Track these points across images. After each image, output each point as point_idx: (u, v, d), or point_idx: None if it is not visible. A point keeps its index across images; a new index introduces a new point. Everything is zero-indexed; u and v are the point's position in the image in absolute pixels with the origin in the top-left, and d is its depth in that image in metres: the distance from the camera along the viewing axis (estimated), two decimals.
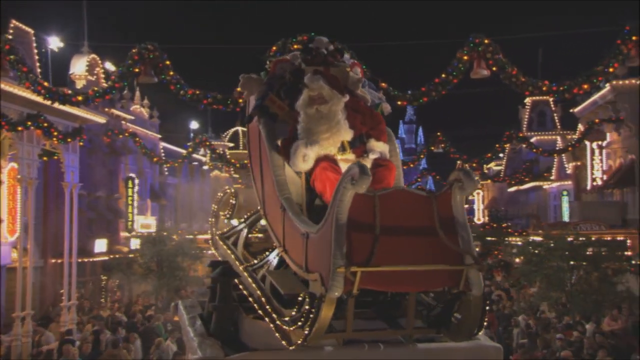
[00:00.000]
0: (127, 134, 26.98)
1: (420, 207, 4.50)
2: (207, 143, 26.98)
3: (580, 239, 18.59)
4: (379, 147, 5.34)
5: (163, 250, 23.00)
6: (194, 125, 41.15)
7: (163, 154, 32.23)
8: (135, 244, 27.94)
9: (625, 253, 19.69)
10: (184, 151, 34.38)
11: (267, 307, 5.37)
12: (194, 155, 31.80)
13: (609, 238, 21.13)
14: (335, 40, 14.67)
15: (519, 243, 25.64)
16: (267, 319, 5.35)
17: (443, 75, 14.16)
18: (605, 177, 28.41)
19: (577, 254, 17.83)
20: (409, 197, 4.55)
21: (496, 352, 5.17)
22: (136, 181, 30.36)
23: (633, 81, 24.82)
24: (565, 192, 36.29)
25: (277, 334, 5.09)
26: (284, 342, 4.96)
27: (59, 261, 21.22)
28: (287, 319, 4.91)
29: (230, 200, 7.19)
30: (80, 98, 14.27)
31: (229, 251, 6.74)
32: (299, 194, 5.33)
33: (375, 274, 4.31)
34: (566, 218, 33.86)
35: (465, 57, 14.12)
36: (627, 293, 17.36)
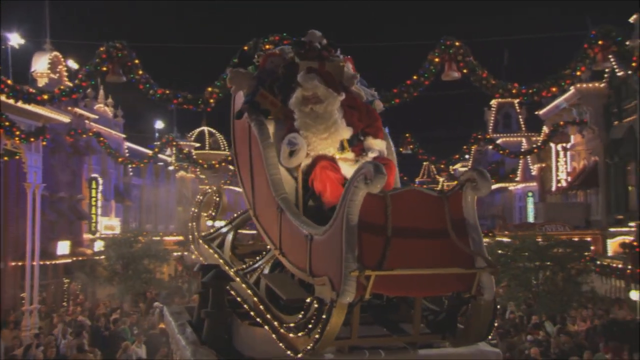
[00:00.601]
0: (90, 134, 26.50)
1: (432, 207, 4.34)
2: (174, 143, 26.69)
3: (548, 240, 18.95)
4: (377, 145, 5.20)
5: (129, 253, 22.68)
6: (159, 124, 40.67)
7: (127, 154, 31.77)
8: (99, 246, 27.48)
9: (586, 254, 20.13)
10: (149, 151, 33.97)
11: (267, 315, 5.16)
12: (160, 156, 31.42)
13: (576, 239, 21.59)
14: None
15: (485, 244, 26.01)
16: (266, 327, 5.16)
17: (415, 77, 14.32)
18: (569, 179, 29.03)
19: (544, 255, 18.18)
20: (420, 197, 4.37)
21: (496, 357, 5.05)
22: (100, 182, 29.84)
23: (596, 84, 25.46)
24: (530, 194, 36.97)
25: (280, 343, 4.89)
26: (289, 352, 4.74)
27: (20, 264, 20.74)
28: (291, 325, 4.71)
29: (214, 199, 6.98)
30: (45, 97, 14.01)
31: (215, 255, 6.50)
32: (292, 194, 5.13)
33: (389, 278, 4.14)
34: (531, 219, 34.46)
35: (437, 59, 14.30)
36: (592, 293, 17.77)
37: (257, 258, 5.92)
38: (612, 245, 18.45)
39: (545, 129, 31.30)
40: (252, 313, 5.51)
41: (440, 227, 4.28)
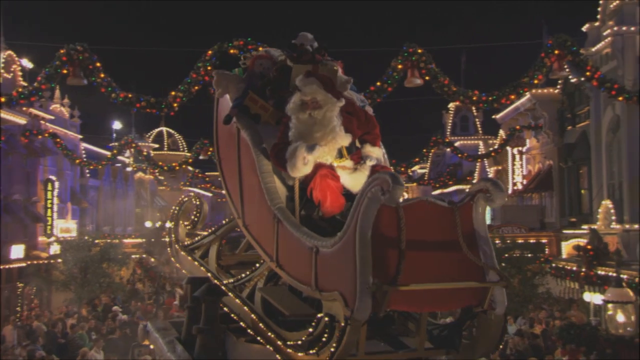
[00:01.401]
0: (46, 135, 25.94)
1: (443, 219, 4.17)
2: (134, 145, 26.32)
3: (507, 241, 19.39)
4: (375, 153, 4.99)
5: (87, 257, 22.28)
6: (117, 125, 40.02)
7: (84, 155, 31.18)
8: (55, 249, 26.90)
9: (541, 255, 20.65)
10: (106, 152, 33.41)
11: (269, 333, 4.91)
12: (118, 157, 30.93)
13: (532, 240, 22.13)
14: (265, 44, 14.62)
15: None
16: (268, 346, 4.94)
17: (378, 84, 14.51)
18: (525, 182, 29.72)
19: (501, 257, 18.59)
20: (432, 209, 4.18)
21: None
22: (56, 183, 29.21)
23: (551, 90, 26.14)
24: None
25: None
26: None
27: None
28: (298, 343, 4.50)
29: (195, 203, 6.73)
30: (3, 100, 13.70)
31: (201, 267, 6.20)
32: (284, 203, 4.91)
33: (404, 294, 3.95)
34: (488, 221, 35.17)
35: (400, 66, 14.53)
36: (548, 294, 18.27)
37: (248, 271, 5.65)
38: (567, 248, 19.02)
39: (501, 133, 31.97)
40: (249, 331, 5.28)
41: (452, 239, 4.14)
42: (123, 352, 14.73)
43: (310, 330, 4.33)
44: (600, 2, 21.25)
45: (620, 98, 14.37)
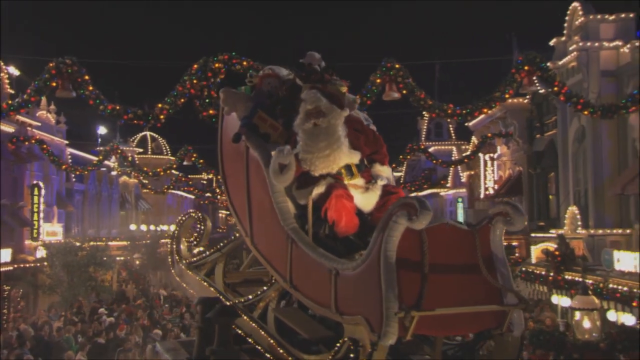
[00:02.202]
0: (33, 141, 25.67)
1: (462, 241, 4.07)
2: (119, 151, 26.16)
3: None
4: (385, 173, 4.87)
5: (74, 261, 22.11)
6: (102, 130, 39.68)
7: (70, 160, 30.90)
8: (41, 253, 26.63)
9: (512, 257, 20.94)
10: (92, 157, 33.14)
11: (288, 357, 4.76)
12: None
13: (504, 243, 22.38)
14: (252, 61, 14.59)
15: None
16: None
17: (358, 97, 14.61)
18: (496, 187, 30.11)
19: None
20: (452, 232, 4.07)
21: None
22: (42, 188, 28.91)
23: (521, 100, 26.52)
24: (460, 199, 38.08)
25: None
26: None
27: None
28: None
29: (196, 218, 6.54)
30: None
31: (211, 288, 5.98)
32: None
33: (429, 318, 3.83)
34: None
35: (378, 80, 14.65)
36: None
37: (258, 291, 5.44)
38: (535, 252, 19.33)
39: (474, 140, 32.31)
40: (267, 354, 5.12)
41: (472, 262, 4.05)
42: (110, 355, 14.68)
43: (333, 354, 4.21)
44: (567, 18, 21.63)
45: (586, 112, 14.66)
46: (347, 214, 4.57)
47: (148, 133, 48.56)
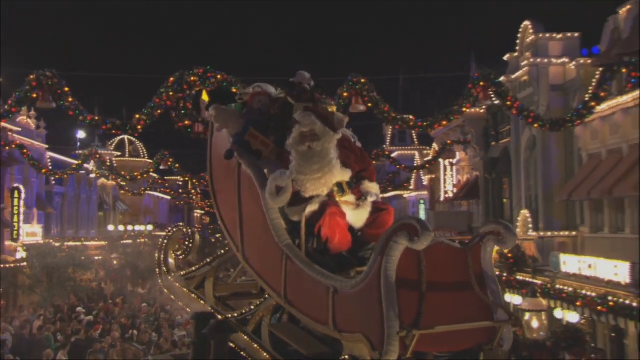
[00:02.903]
0: (14, 146, 25.17)
1: (456, 260, 4.03)
2: (98, 156, 25.82)
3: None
4: (374, 189, 4.79)
5: (53, 262, 21.77)
6: (81, 134, 39.08)
7: (50, 164, 30.39)
8: (22, 254, 26.17)
9: None
10: (71, 160, 32.64)
11: None
12: None
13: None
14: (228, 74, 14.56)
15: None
16: None
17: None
18: (455, 190, 30.56)
19: None
20: (446, 250, 4.02)
21: None
22: (22, 191, 28.39)
23: (478, 110, 26.95)
24: (422, 201, 38.54)
25: None
26: None
27: None
28: None
29: (185, 232, 6.28)
30: None
31: (201, 301, 5.81)
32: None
33: (427, 336, 3.76)
34: None
35: (345, 94, 14.82)
36: None
37: (252, 306, 5.26)
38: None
39: (435, 146, 32.74)
40: None
41: (465, 279, 4.01)
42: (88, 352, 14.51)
43: None
44: (519, 35, 22.10)
45: (536, 125, 15.01)
46: (340, 231, 4.52)
47: (126, 137, 47.95)
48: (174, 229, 6.61)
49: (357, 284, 3.98)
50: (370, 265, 3.90)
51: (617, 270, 12.50)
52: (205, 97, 14.35)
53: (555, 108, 19.97)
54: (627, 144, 16.48)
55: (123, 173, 27.97)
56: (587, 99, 14.79)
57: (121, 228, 39.23)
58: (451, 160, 30.95)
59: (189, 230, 6.40)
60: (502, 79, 22.06)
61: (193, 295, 5.97)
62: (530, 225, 20.18)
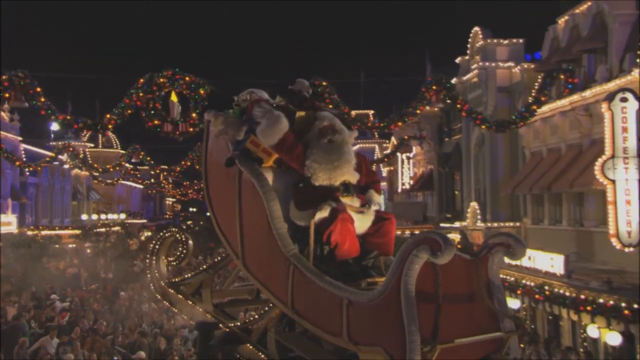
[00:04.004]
0: None
1: (467, 271, 3.88)
2: (71, 149, 25.32)
3: (397, 232, 20.21)
4: (378, 199, 4.66)
5: (27, 252, 21.34)
6: (55, 126, 38.08)
7: (24, 156, 29.67)
8: None
9: None
10: (45, 152, 31.90)
11: None
12: None
13: (417, 232, 23.20)
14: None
15: None
16: None
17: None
18: (411, 182, 31.01)
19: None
20: (458, 261, 3.82)
21: None
22: None
23: (432, 108, 27.36)
24: (381, 192, 38.92)
25: None
26: None
27: None
28: None
29: (179, 244, 5.84)
30: None
31: (200, 310, 5.46)
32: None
33: (448, 349, 3.61)
34: None
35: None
36: None
37: (254, 314, 4.97)
38: None
39: (393, 140, 33.12)
40: None
41: (474, 290, 3.88)
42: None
43: None
44: (470, 40, 22.48)
45: (483, 127, 15.38)
46: (351, 237, 4.34)
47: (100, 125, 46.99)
48: (167, 234, 6.04)
49: (374, 296, 3.78)
50: (388, 278, 3.73)
51: (553, 262, 13.00)
52: (174, 98, 14.30)
53: (501, 108, 20.46)
54: (565, 144, 17.02)
55: (96, 165, 27.51)
56: (529, 102, 15.22)
57: (94, 217, 38.58)
58: (408, 154, 31.34)
59: (183, 237, 5.82)
60: (454, 80, 22.54)
61: (191, 303, 5.55)
62: (479, 217, 20.66)
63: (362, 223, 4.44)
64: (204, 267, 5.71)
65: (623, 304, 10.27)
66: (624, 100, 12.89)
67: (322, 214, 4.30)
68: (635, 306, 10.03)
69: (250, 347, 4.82)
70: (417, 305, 3.57)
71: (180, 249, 5.80)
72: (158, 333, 13.36)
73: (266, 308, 4.88)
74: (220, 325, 5.29)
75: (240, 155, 4.71)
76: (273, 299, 4.61)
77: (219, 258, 5.77)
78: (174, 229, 6.01)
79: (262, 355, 4.72)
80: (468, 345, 3.79)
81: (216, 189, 5.27)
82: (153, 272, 5.92)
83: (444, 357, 3.65)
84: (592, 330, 11.17)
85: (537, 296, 11.91)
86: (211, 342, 5.20)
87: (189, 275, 5.85)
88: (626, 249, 12.97)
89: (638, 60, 13.48)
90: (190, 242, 5.80)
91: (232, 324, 5.13)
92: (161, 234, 6.07)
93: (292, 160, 4.57)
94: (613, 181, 13.01)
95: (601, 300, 10.68)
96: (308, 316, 4.27)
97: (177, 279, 5.92)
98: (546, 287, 11.93)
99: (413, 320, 3.52)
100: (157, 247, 5.95)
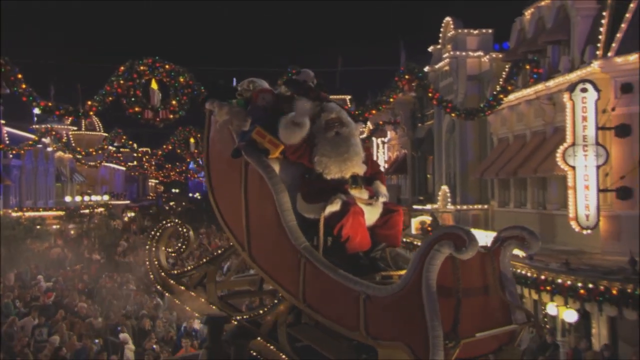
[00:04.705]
0: None
1: (482, 264, 3.77)
2: (53, 133, 24.90)
3: None
4: (384, 191, 4.51)
5: (11, 235, 21.05)
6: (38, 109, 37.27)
7: (7, 139, 29.08)
8: None
9: None
10: (28, 135, 31.28)
11: None
12: None
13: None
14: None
15: None
16: None
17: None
18: (386, 166, 31.21)
19: None
20: (475, 255, 3.65)
21: None
22: None
23: (406, 94, 27.48)
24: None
25: None
26: None
27: None
28: None
29: (184, 233, 5.50)
30: None
31: (207, 303, 5.20)
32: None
33: (467, 343, 3.51)
34: None
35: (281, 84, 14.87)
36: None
37: (265, 307, 4.76)
38: (415, 223, 20.25)
39: (369, 125, 33.20)
40: None
41: (488, 283, 3.78)
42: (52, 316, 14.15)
43: None
44: (442, 30, 22.53)
45: (453, 115, 15.53)
46: (362, 231, 4.20)
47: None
48: (168, 224, 5.70)
49: (393, 290, 3.65)
50: (408, 272, 3.61)
51: None
52: (154, 85, 14.15)
53: (471, 95, 20.65)
54: (530, 131, 17.28)
55: (79, 149, 27.10)
56: (496, 91, 15.39)
57: (78, 198, 38.08)
58: (383, 139, 31.46)
59: (185, 229, 5.45)
60: (427, 68, 22.64)
61: (197, 295, 5.29)
62: (449, 199, 20.93)
63: (370, 215, 4.32)
64: (206, 259, 5.49)
65: (579, 284, 10.57)
66: (584, 90, 13.11)
67: (333, 207, 4.16)
68: (591, 286, 10.34)
69: (263, 341, 4.60)
70: (439, 300, 3.48)
71: (182, 242, 5.51)
72: (145, 315, 13.31)
73: (275, 301, 4.69)
74: (226, 317, 5.08)
75: (246, 146, 4.53)
76: (282, 291, 4.44)
77: (219, 251, 5.49)
78: (176, 220, 5.73)
79: (274, 349, 4.51)
80: (484, 338, 3.70)
81: (219, 180, 5.05)
82: (152, 261, 5.65)
83: (463, 350, 3.57)
84: (551, 309, 11.50)
85: None
86: (223, 336, 4.96)
87: (191, 267, 5.61)
88: (584, 232, 13.31)
89: (597, 53, 13.70)
90: (191, 233, 5.53)
91: (241, 317, 4.93)
92: (162, 222, 5.81)
93: (301, 158, 4.43)
94: (573, 167, 13.28)
95: (560, 281, 10.97)
96: (321, 309, 4.12)
97: (178, 271, 5.66)
98: (510, 269, 12.20)
99: (435, 315, 3.42)
100: (157, 235, 5.66)
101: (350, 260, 4.11)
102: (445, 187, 21.42)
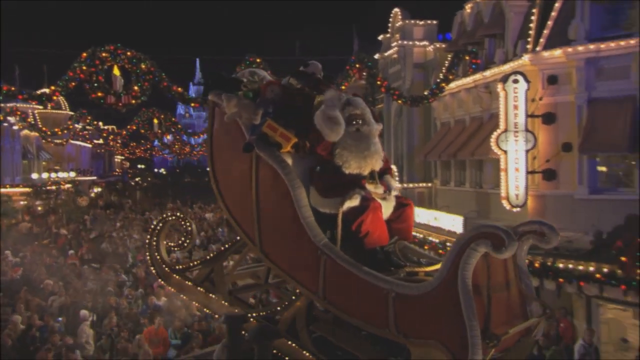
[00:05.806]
0: None
1: (503, 260, 3.55)
2: (19, 113, 23.88)
3: None
4: (396, 184, 4.36)
5: None
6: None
7: None
8: None
9: None
10: None
11: None
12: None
13: None
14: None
15: None
16: None
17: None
18: None
19: None
20: None
21: None
22: None
23: (362, 82, 27.54)
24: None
25: None
26: None
27: None
28: None
29: (186, 227, 5.10)
30: None
31: (221, 300, 4.85)
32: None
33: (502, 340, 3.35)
34: None
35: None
36: None
37: (283, 304, 4.49)
38: None
39: None
40: None
41: (509, 278, 3.62)
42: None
43: None
44: (390, 20, 22.62)
45: (400, 101, 15.79)
46: (381, 226, 4.02)
47: (47, 90, 44.31)
48: (171, 217, 5.30)
49: (426, 288, 3.45)
50: (442, 270, 3.40)
51: (454, 223, 13.75)
52: (116, 71, 13.77)
53: (417, 82, 20.94)
54: (469, 116, 17.73)
55: (45, 129, 26.11)
56: (439, 80, 15.71)
57: (45, 175, 36.77)
58: None
59: (188, 224, 5.07)
60: (377, 55, 22.76)
61: (208, 293, 4.94)
62: (397, 178, 21.33)
63: (385, 209, 4.15)
64: (211, 255, 5.18)
65: None
66: (516, 81, 13.51)
67: (353, 202, 3.92)
68: None
69: (287, 341, 4.30)
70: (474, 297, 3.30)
71: (184, 237, 5.14)
72: (110, 292, 13.10)
73: (292, 297, 4.43)
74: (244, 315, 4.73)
75: (258, 140, 4.20)
76: (300, 287, 4.17)
77: (226, 245, 5.16)
78: (179, 214, 5.31)
79: (296, 347, 4.24)
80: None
81: (226, 174, 4.65)
82: (153, 254, 5.26)
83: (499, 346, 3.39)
84: None
85: (440, 251, 12.64)
86: (246, 336, 4.55)
87: (195, 262, 5.26)
88: (514, 209, 13.89)
89: (528, 47, 14.12)
90: (194, 230, 5.14)
91: (257, 314, 4.66)
92: (164, 215, 5.44)
93: (324, 150, 4.15)
94: (505, 151, 13.75)
95: None
96: (344, 306, 3.85)
97: (182, 266, 5.29)
98: (448, 243, 12.67)
99: (472, 314, 3.23)
100: (158, 228, 5.25)
101: (368, 254, 3.92)
102: (393, 167, 21.67)
